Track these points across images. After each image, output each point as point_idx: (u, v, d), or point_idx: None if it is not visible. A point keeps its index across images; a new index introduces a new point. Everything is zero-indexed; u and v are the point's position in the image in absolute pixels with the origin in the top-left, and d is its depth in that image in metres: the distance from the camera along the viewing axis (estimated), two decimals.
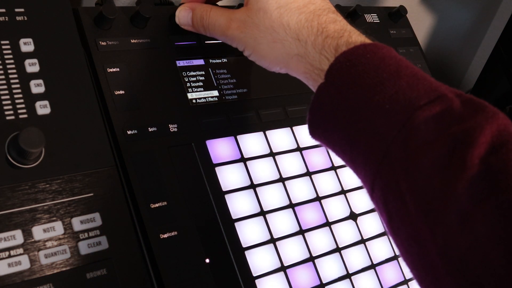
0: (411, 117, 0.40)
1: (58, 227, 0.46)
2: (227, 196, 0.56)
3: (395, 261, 0.64)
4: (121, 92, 0.55)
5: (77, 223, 0.47)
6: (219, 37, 0.56)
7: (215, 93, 0.60)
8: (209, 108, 0.59)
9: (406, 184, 0.40)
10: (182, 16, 0.58)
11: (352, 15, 0.75)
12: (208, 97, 0.60)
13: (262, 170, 0.59)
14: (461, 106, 0.41)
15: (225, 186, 0.56)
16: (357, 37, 0.48)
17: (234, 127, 0.59)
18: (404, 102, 0.41)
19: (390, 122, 0.41)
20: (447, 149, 0.39)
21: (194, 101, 0.59)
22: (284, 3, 0.51)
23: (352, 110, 0.44)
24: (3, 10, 0.51)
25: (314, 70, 0.48)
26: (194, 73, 0.60)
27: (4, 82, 0.49)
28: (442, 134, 0.39)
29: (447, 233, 0.38)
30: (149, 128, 0.54)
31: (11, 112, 0.48)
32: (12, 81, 0.49)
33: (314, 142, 0.64)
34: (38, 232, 0.45)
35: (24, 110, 0.49)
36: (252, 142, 0.60)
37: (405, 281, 0.64)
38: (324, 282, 0.58)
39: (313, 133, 0.49)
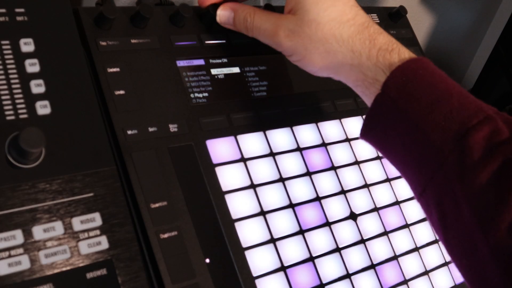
0: (465, 135, 0.46)
1: (58, 227, 0.47)
2: (227, 196, 0.56)
3: (395, 261, 0.64)
4: (121, 92, 0.55)
5: (77, 223, 0.47)
6: (263, 40, 0.59)
7: (215, 93, 0.60)
8: (209, 108, 0.59)
9: (461, 193, 0.46)
10: (223, 15, 0.60)
11: None
12: (208, 96, 0.60)
13: (262, 170, 0.59)
14: (505, 126, 0.47)
15: (225, 186, 0.56)
16: (405, 50, 0.53)
17: (234, 127, 0.60)
18: (458, 121, 0.47)
19: (446, 138, 0.47)
20: (499, 167, 0.45)
21: (194, 101, 0.59)
22: (335, 16, 0.54)
23: (409, 122, 0.49)
24: (4, 10, 0.51)
25: (367, 79, 0.53)
26: (194, 73, 0.60)
27: (4, 82, 0.49)
28: (494, 153, 0.45)
29: (499, 237, 0.43)
30: (149, 128, 0.54)
31: (11, 112, 0.48)
32: (12, 81, 0.49)
33: (314, 142, 0.64)
34: (38, 232, 0.46)
35: (24, 110, 0.49)
36: (252, 142, 0.60)
37: (405, 281, 0.64)
38: (324, 282, 0.58)
39: (365, 134, 0.54)
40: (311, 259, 0.58)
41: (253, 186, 0.58)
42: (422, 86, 0.49)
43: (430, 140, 0.48)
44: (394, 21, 0.81)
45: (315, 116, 0.66)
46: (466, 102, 0.48)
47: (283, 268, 0.56)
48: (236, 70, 0.63)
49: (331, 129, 0.66)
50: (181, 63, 0.60)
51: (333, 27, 0.54)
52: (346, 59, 0.54)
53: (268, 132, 0.61)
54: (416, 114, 0.49)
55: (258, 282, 0.54)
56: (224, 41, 0.63)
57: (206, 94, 0.60)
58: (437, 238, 0.69)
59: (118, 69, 0.55)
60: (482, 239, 0.45)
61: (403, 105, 0.49)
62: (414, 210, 0.69)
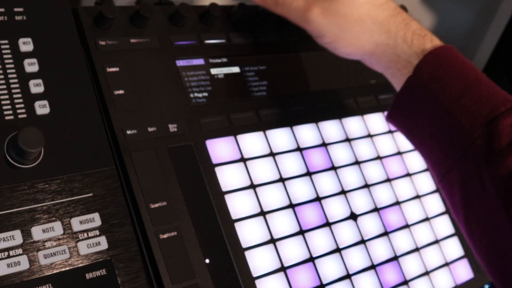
0: (493, 121, 0.49)
1: (57, 228, 0.46)
2: (227, 196, 0.56)
3: (395, 261, 0.64)
4: (121, 92, 0.54)
5: (76, 223, 0.47)
6: (292, 17, 0.59)
7: (215, 93, 0.60)
8: (209, 108, 0.59)
9: (488, 175, 0.49)
10: None
11: None
12: (208, 96, 0.59)
13: (262, 170, 0.59)
14: None
15: (225, 186, 0.56)
16: (435, 38, 0.56)
17: (234, 127, 0.59)
18: (487, 107, 0.50)
19: (475, 122, 0.50)
20: None
21: (194, 100, 0.58)
22: None
23: (439, 105, 0.52)
24: (2, 10, 0.51)
25: (400, 61, 0.55)
26: (194, 73, 0.60)
27: (3, 82, 0.48)
28: None
29: None
30: (149, 128, 0.54)
31: (10, 112, 0.48)
32: (11, 80, 0.49)
33: (314, 142, 0.64)
34: (37, 232, 0.45)
35: (23, 110, 0.48)
36: (252, 142, 0.60)
37: (406, 282, 0.64)
38: (324, 282, 0.58)
39: (392, 116, 0.57)
40: (311, 259, 0.58)
41: (253, 186, 0.58)
42: (454, 73, 0.52)
43: (460, 124, 0.51)
44: None
45: (315, 116, 0.66)
46: (494, 91, 0.51)
47: (283, 269, 0.56)
48: (236, 70, 0.63)
49: (331, 129, 0.66)
50: (180, 62, 0.59)
51: (369, 9, 0.56)
52: (382, 39, 0.56)
53: (268, 132, 0.61)
54: (447, 99, 0.52)
55: (258, 282, 0.54)
56: (224, 41, 0.63)
57: (206, 94, 0.59)
58: (434, 238, 0.69)
59: (117, 69, 0.55)
60: (506, 220, 0.47)
61: (434, 89, 0.52)
62: (415, 211, 0.68)
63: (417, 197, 0.69)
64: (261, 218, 0.57)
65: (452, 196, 0.53)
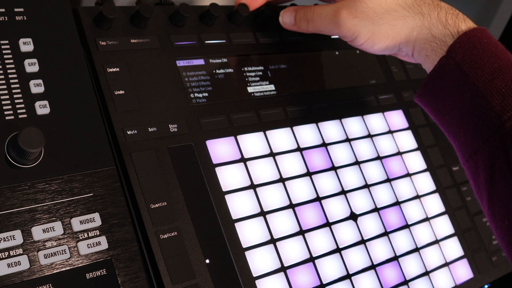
0: None
1: (57, 227, 0.46)
2: (227, 196, 0.56)
3: (395, 261, 0.64)
4: (121, 92, 0.55)
5: (76, 223, 0.47)
6: (325, 27, 0.60)
7: (215, 93, 0.60)
8: (209, 108, 0.59)
9: None
10: (286, 15, 0.64)
11: None
12: (208, 96, 0.60)
13: (262, 170, 0.59)
14: None
15: (225, 186, 0.56)
16: (466, 17, 0.56)
17: (234, 127, 0.59)
18: None
19: (506, 104, 0.50)
20: None
21: (194, 101, 0.58)
22: None
23: (471, 86, 0.52)
24: (3, 10, 0.51)
25: (435, 40, 0.56)
26: (194, 73, 0.60)
27: (3, 82, 0.49)
28: None
29: None
30: (149, 128, 0.54)
31: (11, 112, 0.48)
32: (11, 81, 0.49)
33: (314, 142, 0.64)
34: (37, 232, 0.45)
35: (24, 110, 0.48)
36: (252, 142, 0.60)
37: (406, 282, 0.64)
38: (324, 282, 0.58)
39: (421, 95, 0.57)
40: (311, 259, 0.58)
41: (253, 187, 0.58)
42: (487, 55, 0.53)
43: (490, 105, 0.51)
44: None
45: (315, 116, 0.66)
46: None
47: (283, 269, 0.56)
48: (236, 70, 0.63)
49: (331, 129, 0.66)
50: (181, 63, 0.59)
51: None
52: (416, 21, 0.56)
53: (268, 132, 0.61)
54: (478, 80, 0.52)
55: (258, 282, 0.54)
56: (224, 41, 0.63)
57: (206, 94, 0.60)
58: (434, 238, 0.69)
59: (117, 69, 0.55)
60: None
61: (467, 70, 0.53)
62: (415, 210, 0.69)
63: (417, 197, 0.69)
64: (261, 218, 0.57)
65: (476, 177, 0.54)
